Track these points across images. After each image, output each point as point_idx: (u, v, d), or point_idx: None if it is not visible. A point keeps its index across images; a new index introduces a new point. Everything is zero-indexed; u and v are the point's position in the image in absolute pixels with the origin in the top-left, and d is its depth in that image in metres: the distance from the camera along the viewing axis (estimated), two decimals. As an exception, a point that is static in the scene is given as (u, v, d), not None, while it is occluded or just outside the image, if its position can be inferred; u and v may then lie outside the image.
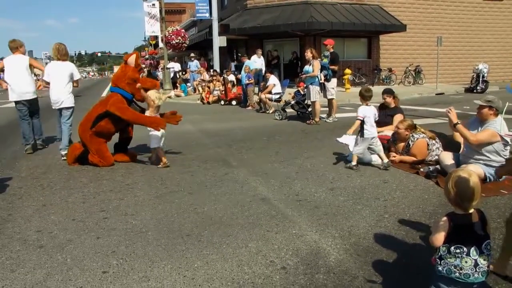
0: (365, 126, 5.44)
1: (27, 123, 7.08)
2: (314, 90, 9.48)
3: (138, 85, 5.98)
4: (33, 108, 7.20)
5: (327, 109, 10.42)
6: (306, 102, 10.26)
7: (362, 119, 5.44)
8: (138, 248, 3.29)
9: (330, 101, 10.20)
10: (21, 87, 6.94)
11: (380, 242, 3.30)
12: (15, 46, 6.96)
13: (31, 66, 7.29)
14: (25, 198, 4.65)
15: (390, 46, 22.53)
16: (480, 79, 18.27)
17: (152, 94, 5.96)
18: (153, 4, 22.20)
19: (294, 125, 9.81)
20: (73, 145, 6.38)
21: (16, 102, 7.04)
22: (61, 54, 6.50)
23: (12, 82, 6.92)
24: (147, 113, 5.99)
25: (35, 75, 6.77)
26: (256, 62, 16.03)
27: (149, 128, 5.84)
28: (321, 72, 9.60)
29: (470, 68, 21.59)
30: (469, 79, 19.68)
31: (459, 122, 4.70)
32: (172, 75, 21.01)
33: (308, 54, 9.55)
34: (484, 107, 4.62)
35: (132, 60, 6.07)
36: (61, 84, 6.50)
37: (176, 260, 3.08)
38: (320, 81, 9.57)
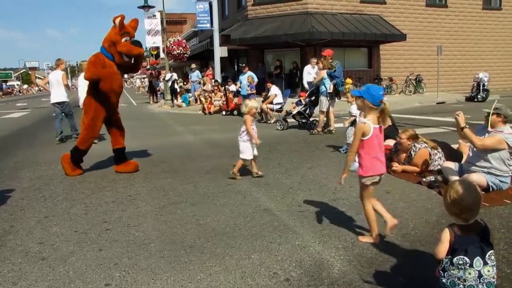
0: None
1: (58, 120, 9.51)
2: (322, 100, 9.59)
3: None
4: (64, 109, 9.59)
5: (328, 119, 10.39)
6: (307, 112, 10.28)
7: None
8: (140, 260, 3.28)
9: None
10: (53, 92, 9.51)
11: (383, 253, 3.28)
12: (57, 64, 9.77)
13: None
14: (27, 210, 4.65)
15: (390, 56, 22.62)
16: (481, 88, 18.29)
17: (249, 104, 5.73)
18: (154, 15, 22.36)
19: (296, 135, 9.82)
20: (65, 154, 6.28)
21: (52, 104, 9.64)
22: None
23: (51, 89, 9.60)
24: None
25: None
26: (311, 73, 13.61)
27: (241, 138, 5.70)
28: (331, 81, 9.59)
29: (471, 77, 21.64)
30: (469, 88, 19.70)
31: (466, 126, 4.74)
32: (170, 83, 20.92)
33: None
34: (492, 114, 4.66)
35: (116, 22, 6.07)
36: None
37: (179, 272, 3.06)
38: (328, 91, 9.57)
